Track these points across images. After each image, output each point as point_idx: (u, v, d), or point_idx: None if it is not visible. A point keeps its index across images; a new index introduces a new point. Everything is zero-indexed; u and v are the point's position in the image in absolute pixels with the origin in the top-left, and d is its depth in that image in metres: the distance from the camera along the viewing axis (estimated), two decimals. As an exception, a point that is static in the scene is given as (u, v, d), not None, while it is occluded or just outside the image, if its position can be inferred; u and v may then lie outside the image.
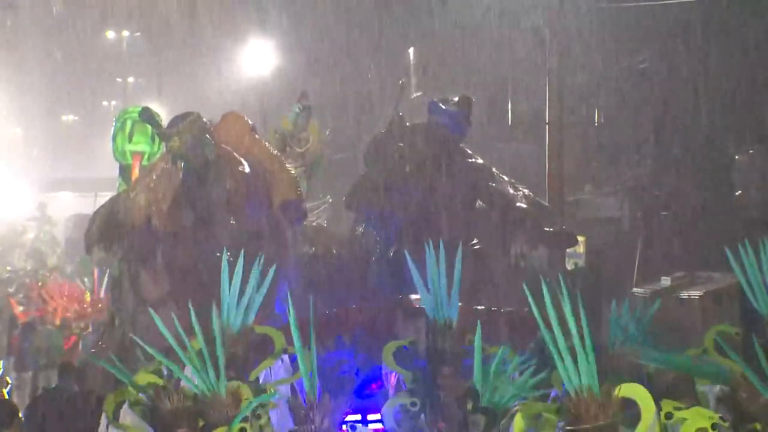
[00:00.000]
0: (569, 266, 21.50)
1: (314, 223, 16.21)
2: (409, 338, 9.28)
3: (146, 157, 15.46)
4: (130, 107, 16.80)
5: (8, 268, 28.28)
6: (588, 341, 5.70)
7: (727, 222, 21.73)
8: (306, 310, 7.92)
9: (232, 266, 7.89)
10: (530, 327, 9.65)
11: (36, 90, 50.94)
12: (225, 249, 7.97)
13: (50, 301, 17.42)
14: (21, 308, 19.09)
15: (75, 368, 12.29)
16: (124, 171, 15.61)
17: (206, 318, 7.54)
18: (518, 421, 6.17)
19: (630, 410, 5.79)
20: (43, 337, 17.17)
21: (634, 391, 5.76)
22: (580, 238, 21.11)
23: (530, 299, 6.07)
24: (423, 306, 8.90)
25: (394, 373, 9.16)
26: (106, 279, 17.37)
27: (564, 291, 5.84)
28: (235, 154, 12.96)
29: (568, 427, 5.68)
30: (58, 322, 17.10)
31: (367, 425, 9.88)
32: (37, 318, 17.98)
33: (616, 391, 5.68)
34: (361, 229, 14.47)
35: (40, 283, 18.75)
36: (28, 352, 17.18)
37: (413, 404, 7.52)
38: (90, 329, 17.14)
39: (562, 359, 5.69)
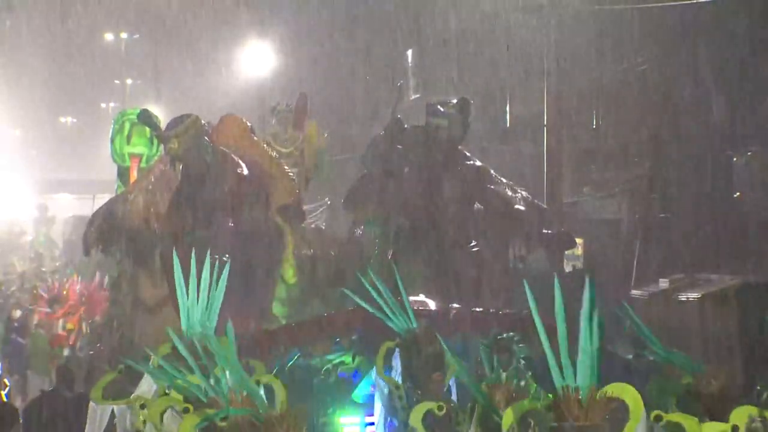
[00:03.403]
0: (567, 268, 21.51)
1: (313, 225, 16.22)
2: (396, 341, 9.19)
3: (144, 159, 15.48)
4: (128, 109, 16.83)
5: (9, 269, 28.26)
6: (592, 343, 5.75)
7: (725, 224, 21.72)
8: (304, 315, 7.89)
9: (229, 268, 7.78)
10: (529, 328, 9.68)
11: (34, 92, 50.92)
12: (213, 251, 7.83)
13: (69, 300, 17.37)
14: (18, 311, 19.02)
15: (72, 371, 12.27)
16: (123, 173, 15.62)
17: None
18: (508, 416, 6.26)
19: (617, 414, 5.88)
20: (33, 340, 17.15)
21: (623, 391, 5.84)
22: (579, 240, 21.13)
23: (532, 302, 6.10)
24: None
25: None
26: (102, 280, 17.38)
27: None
28: (233, 156, 12.97)
29: (553, 424, 5.76)
30: (70, 324, 17.05)
31: (365, 427, 9.88)
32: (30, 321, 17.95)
33: (607, 391, 5.75)
34: (359, 230, 14.48)
35: (67, 283, 18.55)
36: (22, 354, 17.15)
37: (440, 408, 7.47)
38: (88, 330, 17.12)
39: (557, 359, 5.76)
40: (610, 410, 5.76)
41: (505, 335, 9.20)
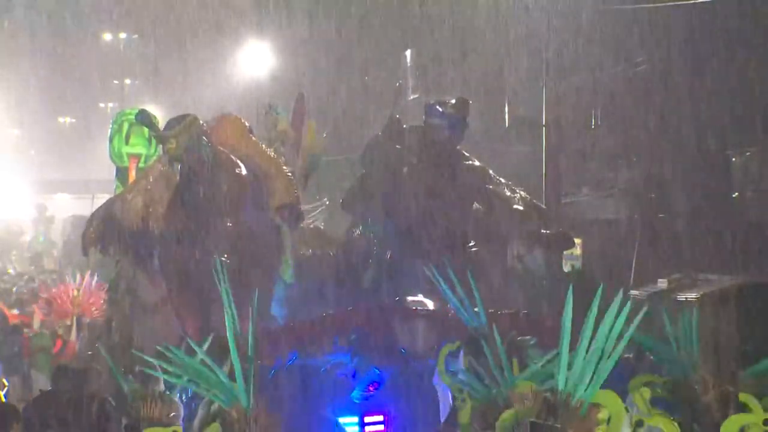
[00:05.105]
0: (566, 268, 21.50)
1: (311, 225, 16.20)
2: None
3: (143, 159, 15.48)
4: (127, 109, 16.83)
5: (9, 270, 28.25)
6: (585, 348, 5.75)
7: (724, 224, 21.73)
8: (303, 313, 7.87)
9: (227, 269, 7.77)
10: (528, 328, 9.69)
11: (33, 92, 50.89)
12: (221, 251, 7.84)
13: (60, 303, 17.33)
14: (16, 311, 18.97)
15: (70, 371, 12.24)
16: (121, 173, 15.62)
17: (205, 321, 7.43)
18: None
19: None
20: (33, 341, 17.11)
21: (605, 397, 5.85)
22: (577, 240, 21.12)
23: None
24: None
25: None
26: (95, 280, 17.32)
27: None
28: (231, 156, 12.96)
29: (534, 419, 5.90)
30: (70, 323, 17.00)
31: (364, 427, 9.88)
32: (25, 321, 17.91)
33: (590, 400, 5.77)
34: (358, 231, 14.46)
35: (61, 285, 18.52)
36: (17, 355, 17.10)
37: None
38: (85, 331, 17.09)
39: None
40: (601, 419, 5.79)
41: (523, 337, 9.25)
